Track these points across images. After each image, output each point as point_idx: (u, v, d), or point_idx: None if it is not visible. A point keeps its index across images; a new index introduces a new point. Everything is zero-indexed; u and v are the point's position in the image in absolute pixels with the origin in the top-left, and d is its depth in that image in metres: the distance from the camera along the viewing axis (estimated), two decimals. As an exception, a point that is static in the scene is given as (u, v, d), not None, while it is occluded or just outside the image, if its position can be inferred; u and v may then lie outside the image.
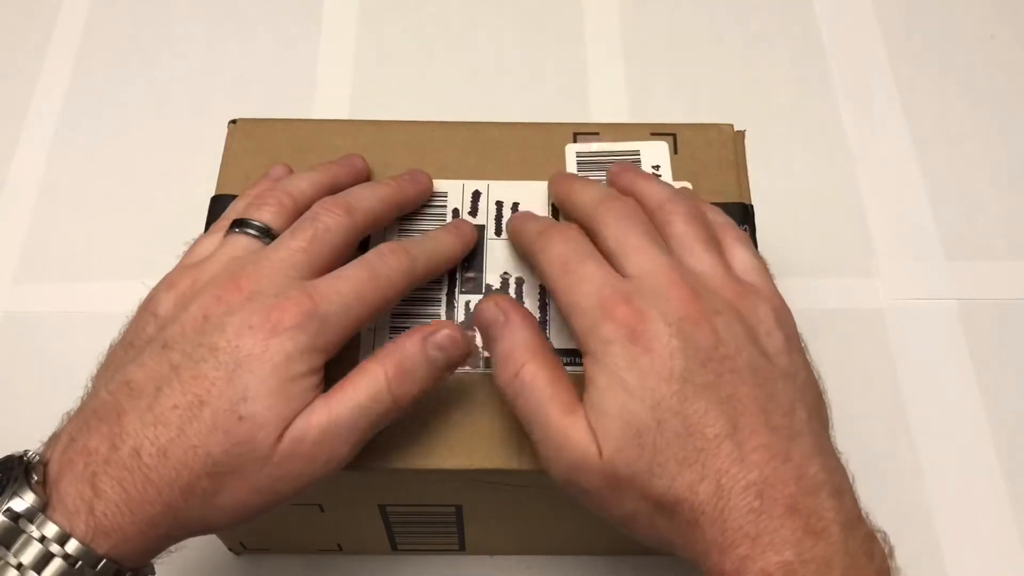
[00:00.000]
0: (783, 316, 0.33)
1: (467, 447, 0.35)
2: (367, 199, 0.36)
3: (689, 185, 0.40)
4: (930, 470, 0.47)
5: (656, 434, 0.29)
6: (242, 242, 0.34)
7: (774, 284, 0.34)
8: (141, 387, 0.30)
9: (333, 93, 0.60)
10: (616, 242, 0.34)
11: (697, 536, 0.29)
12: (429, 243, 0.36)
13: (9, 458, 0.29)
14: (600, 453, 0.30)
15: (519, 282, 0.38)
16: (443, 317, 0.37)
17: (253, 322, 0.30)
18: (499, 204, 0.40)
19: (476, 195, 0.40)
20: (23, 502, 0.28)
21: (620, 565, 0.45)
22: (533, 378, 0.31)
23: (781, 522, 0.28)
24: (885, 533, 0.30)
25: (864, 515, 0.30)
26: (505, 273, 0.38)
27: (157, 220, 0.55)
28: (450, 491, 0.38)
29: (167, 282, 0.34)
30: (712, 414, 0.29)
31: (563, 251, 0.33)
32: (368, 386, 0.32)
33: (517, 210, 0.40)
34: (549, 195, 0.40)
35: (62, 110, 0.60)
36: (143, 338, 0.32)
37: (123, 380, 0.30)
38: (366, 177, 0.40)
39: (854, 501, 0.30)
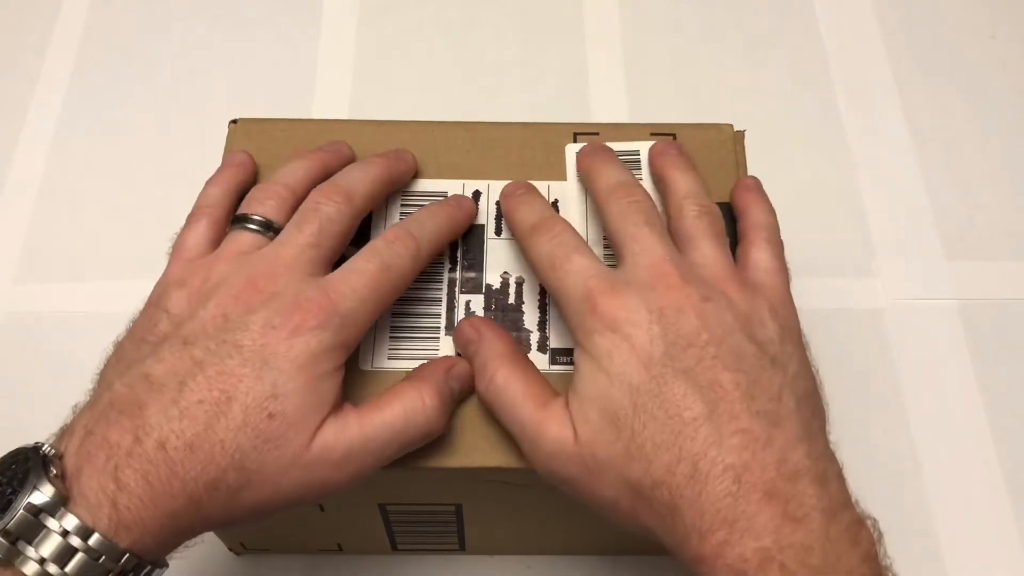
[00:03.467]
0: (782, 310, 0.33)
1: (467, 446, 0.35)
2: (362, 182, 0.36)
3: (689, 185, 0.40)
4: (930, 470, 0.47)
5: (633, 418, 0.30)
6: (246, 238, 0.35)
7: (786, 286, 0.34)
8: (162, 381, 0.30)
9: (333, 93, 0.60)
10: (615, 232, 0.34)
11: (677, 521, 0.29)
12: (431, 221, 0.37)
13: (22, 451, 0.29)
14: (577, 439, 0.31)
15: (519, 282, 0.38)
16: (443, 317, 0.37)
17: (276, 322, 0.31)
18: (499, 204, 0.40)
19: (476, 195, 0.40)
20: (43, 496, 0.27)
21: (620, 565, 0.45)
22: (505, 381, 0.34)
23: (759, 507, 0.28)
24: (876, 519, 0.30)
25: (854, 501, 0.30)
26: (505, 273, 0.38)
27: (157, 220, 0.54)
28: (450, 490, 0.38)
29: (176, 279, 0.34)
30: (691, 397, 0.29)
31: (549, 249, 0.34)
32: (405, 411, 0.33)
33: (517, 210, 0.40)
34: (549, 198, 0.40)
35: (62, 110, 0.60)
36: (157, 334, 0.32)
37: (141, 374, 0.30)
38: (352, 162, 0.40)
39: (841, 487, 0.30)
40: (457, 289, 0.38)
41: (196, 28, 0.63)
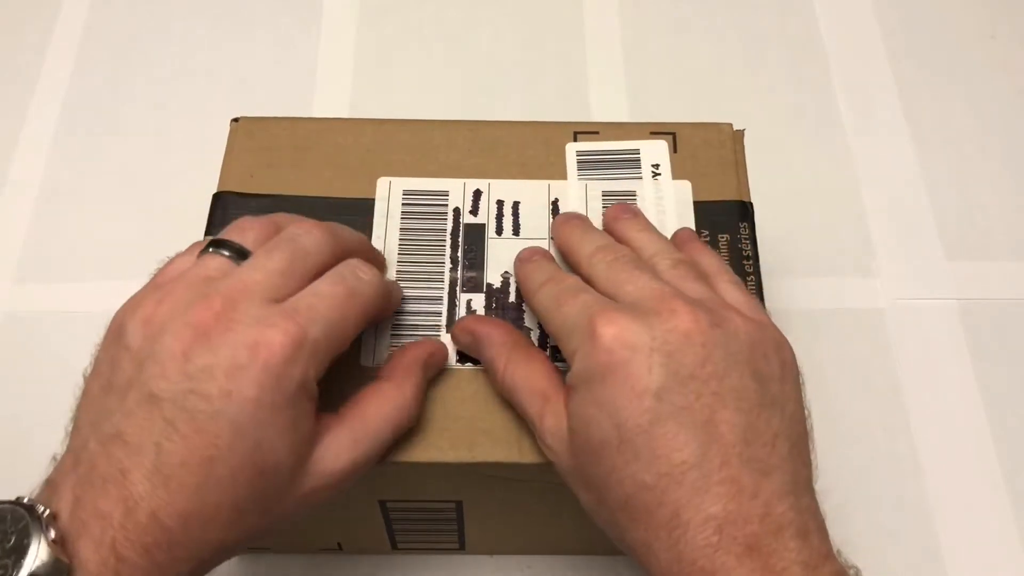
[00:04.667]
0: (783, 346, 0.32)
1: (468, 440, 0.35)
2: (347, 231, 0.35)
3: (688, 184, 0.40)
4: (930, 470, 0.47)
5: (616, 453, 0.29)
6: (215, 263, 0.32)
7: (771, 320, 0.33)
8: (138, 443, 0.28)
9: (333, 93, 0.60)
10: (608, 282, 0.33)
11: (651, 559, 0.29)
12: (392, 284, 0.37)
13: (15, 510, 0.27)
14: (570, 443, 0.31)
15: (520, 281, 0.38)
16: (444, 316, 0.37)
17: (241, 360, 0.28)
18: (500, 203, 0.40)
19: (477, 194, 0.40)
20: (46, 564, 0.25)
21: (620, 565, 0.45)
22: (512, 379, 0.34)
23: (739, 561, 0.27)
24: (858, 569, 0.30)
25: (836, 552, 0.29)
26: (506, 272, 0.38)
27: (157, 220, 0.55)
28: (450, 486, 0.38)
29: (132, 304, 0.31)
30: (682, 438, 0.28)
31: (555, 291, 0.34)
32: (392, 417, 0.33)
33: (518, 209, 0.40)
34: (550, 197, 0.40)
35: (62, 110, 0.60)
36: (122, 378, 0.29)
37: (113, 432, 0.28)
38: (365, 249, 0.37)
39: (823, 540, 0.29)
40: (458, 288, 0.38)
41: (196, 28, 0.63)
